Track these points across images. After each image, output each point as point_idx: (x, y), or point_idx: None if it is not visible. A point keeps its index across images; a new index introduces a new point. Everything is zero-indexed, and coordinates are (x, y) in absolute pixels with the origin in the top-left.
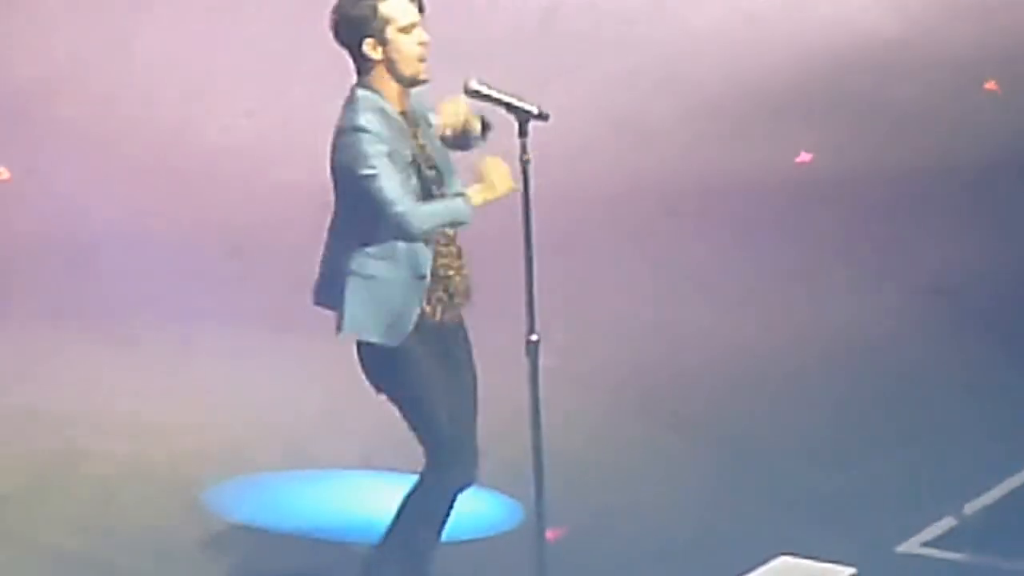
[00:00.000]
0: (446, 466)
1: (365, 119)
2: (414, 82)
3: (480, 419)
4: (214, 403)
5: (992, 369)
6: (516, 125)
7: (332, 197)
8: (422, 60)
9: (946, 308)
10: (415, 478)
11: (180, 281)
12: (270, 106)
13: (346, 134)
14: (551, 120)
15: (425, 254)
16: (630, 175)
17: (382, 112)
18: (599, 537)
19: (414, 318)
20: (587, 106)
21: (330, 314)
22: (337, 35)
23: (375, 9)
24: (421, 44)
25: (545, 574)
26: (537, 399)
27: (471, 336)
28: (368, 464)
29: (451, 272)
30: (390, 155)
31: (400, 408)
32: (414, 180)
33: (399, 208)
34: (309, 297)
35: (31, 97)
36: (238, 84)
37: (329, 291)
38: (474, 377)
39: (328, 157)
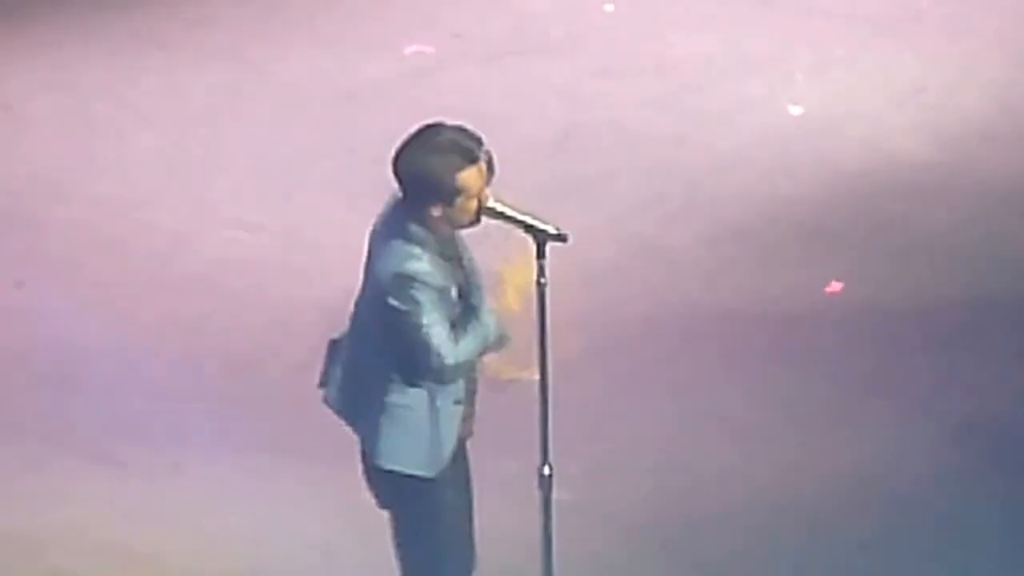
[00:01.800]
0: None
1: (420, 265)
2: (461, 227)
3: (489, 554)
4: (206, 531)
5: None
6: (533, 246)
7: (354, 307)
8: (476, 213)
9: (985, 447)
10: None
11: (172, 400)
12: (271, 220)
13: (402, 278)
14: (569, 242)
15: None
16: (651, 301)
17: (435, 250)
18: None
19: (453, 444)
20: (607, 228)
21: (339, 433)
22: (400, 181)
23: (454, 179)
24: (482, 202)
25: None
26: (549, 535)
27: (476, 469)
28: None
29: (474, 388)
30: (440, 296)
31: (402, 528)
32: (457, 310)
33: (445, 359)
34: (308, 420)
35: (21, 207)
36: (238, 197)
37: (351, 404)
38: (471, 496)
39: (371, 282)
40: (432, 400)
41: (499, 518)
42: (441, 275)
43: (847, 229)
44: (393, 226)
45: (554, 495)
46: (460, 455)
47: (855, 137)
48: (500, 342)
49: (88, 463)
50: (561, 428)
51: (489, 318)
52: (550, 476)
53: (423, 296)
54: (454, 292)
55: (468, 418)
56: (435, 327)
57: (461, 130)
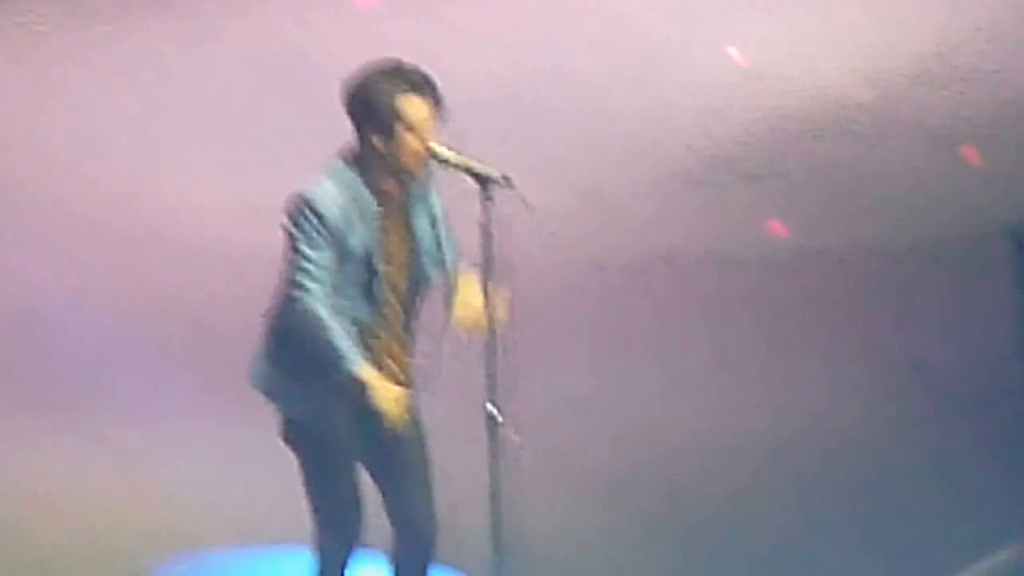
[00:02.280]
0: (321, 537)
1: (321, 195)
2: (405, 174)
3: (438, 495)
4: (161, 477)
5: (966, 449)
6: (479, 191)
7: None
8: (421, 156)
9: (921, 386)
10: (367, 555)
11: (127, 350)
12: (222, 169)
13: (298, 201)
14: (513, 187)
15: (353, 340)
16: (595, 245)
17: (351, 194)
18: None
19: (322, 397)
20: (551, 174)
21: None
22: (346, 105)
23: (392, 102)
24: (424, 142)
25: None
26: (497, 476)
27: (424, 412)
28: None
29: (389, 361)
30: (335, 242)
31: (300, 468)
32: (360, 271)
33: (298, 294)
34: None
35: None
36: (191, 146)
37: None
38: (420, 456)
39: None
40: (302, 340)
41: (448, 460)
42: (343, 220)
43: (787, 171)
44: (332, 160)
45: (502, 437)
46: (375, 417)
47: (794, 79)
48: (336, 367)
49: (41, 413)
50: (507, 369)
51: (355, 359)
52: (497, 418)
53: (307, 225)
54: (360, 248)
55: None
56: (306, 263)
57: (414, 68)
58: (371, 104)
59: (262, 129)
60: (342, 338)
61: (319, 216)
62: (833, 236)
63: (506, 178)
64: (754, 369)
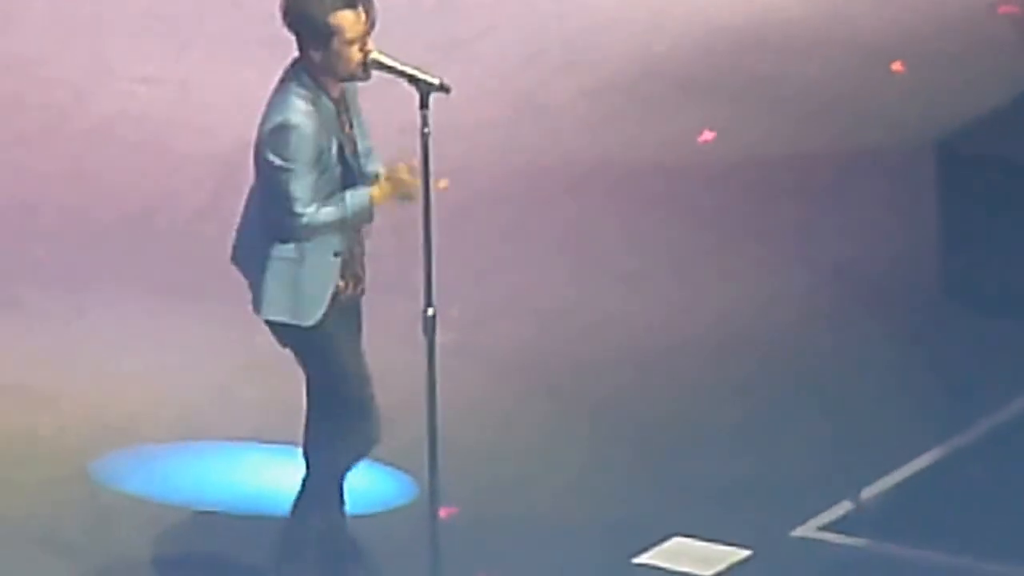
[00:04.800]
0: (352, 431)
1: (298, 117)
2: (350, 79)
3: (376, 394)
4: (105, 372)
5: (894, 354)
6: (417, 97)
7: (252, 171)
8: (361, 65)
9: (850, 292)
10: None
11: (73, 248)
12: (168, 72)
13: (278, 130)
14: (451, 94)
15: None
16: (531, 152)
17: (316, 105)
18: (492, 516)
19: (329, 296)
20: (487, 82)
21: (236, 278)
22: (285, 20)
23: (327, 19)
24: (363, 52)
25: (438, 551)
26: (433, 375)
27: (367, 309)
28: (259, 437)
29: (357, 246)
30: (316, 153)
31: (310, 379)
32: (338, 170)
33: (298, 209)
34: (206, 267)
35: None
36: (135, 49)
37: (246, 258)
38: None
39: (255, 138)
40: (304, 252)
41: (384, 359)
42: (321, 129)
43: (721, 82)
44: (284, 78)
45: (438, 337)
46: (353, 308)
47: None
48: (361, 219)
49: None
50: (445, 273)
51: (354, 197)
52: (434, 318)
53: (297, 147)
54: (334, 149)
55: (352, 277)
56: (300, 179)
57: None
58: (308, 21)
59: (201, 33)
60: (341, 206)
61: (304, 137)
62: (764, 144)
63: (444, 84)
64: (693, 272)
